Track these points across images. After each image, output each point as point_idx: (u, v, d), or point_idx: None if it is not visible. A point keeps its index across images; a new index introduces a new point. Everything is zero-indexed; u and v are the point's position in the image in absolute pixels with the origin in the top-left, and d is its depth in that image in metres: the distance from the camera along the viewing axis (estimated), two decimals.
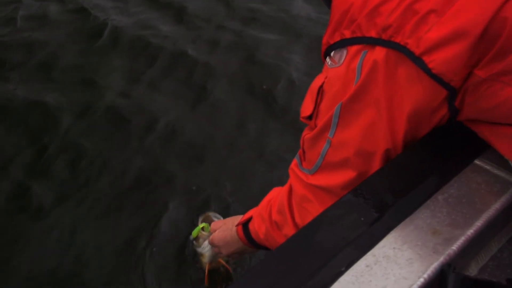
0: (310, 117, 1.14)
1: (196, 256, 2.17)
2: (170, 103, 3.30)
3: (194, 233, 2.06)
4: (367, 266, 0.75)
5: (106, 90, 3.37)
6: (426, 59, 0.91)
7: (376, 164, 1.04)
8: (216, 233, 1.85)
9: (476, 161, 0.98)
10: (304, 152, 1.21)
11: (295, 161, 1.28)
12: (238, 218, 1.70)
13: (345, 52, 1.04)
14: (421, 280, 0.72)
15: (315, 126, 1.13)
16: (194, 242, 2.09)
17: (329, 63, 1.10)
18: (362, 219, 0.86)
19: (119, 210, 2.59)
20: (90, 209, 2.59)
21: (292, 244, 0.84)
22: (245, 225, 1.62)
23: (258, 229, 1.50)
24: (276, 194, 1.43)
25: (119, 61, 3.69)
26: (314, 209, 1.16)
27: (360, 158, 1.06)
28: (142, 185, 2.72)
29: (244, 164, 2.86)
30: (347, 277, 0.73)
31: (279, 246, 0.83)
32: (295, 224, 1.29)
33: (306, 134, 1.18)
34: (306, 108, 1.16)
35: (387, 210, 0.88)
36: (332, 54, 1.09)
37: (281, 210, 1.34)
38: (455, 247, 0.78)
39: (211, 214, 2.12)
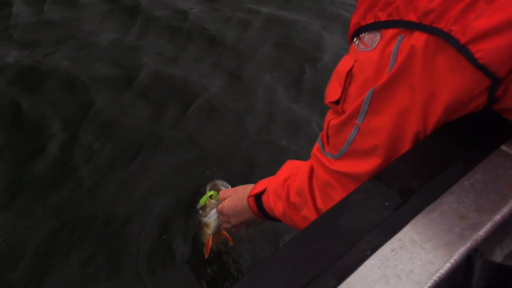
0: (337, 102, 1.09)
1: (199, 227, 2.07)
2: (203, 84, 3.34)
3: (202, 201, 1.96)
4: (392, 250, 0.73)
5: (139, 71, 3.40)
6: (472, 48, 0.86)
7: (404, 149, 1.00)
8: (226, 201, 1.79)
9: (503, 147, 0.95)
10: (328, 137, 1.16)
11: (317, 145, 1.24)
12: (249, 187, 1.67)
13: (378, 35, 0.99)
14: (448, 265, 0.70)
15: (342, 111, 1.08)
16: (200, 211, 1.99)
17: (359, 46, 1.04)
18: (387, 203, 0.84)
19: (148, 183, 2.63)
20: (119, 180, 2.64)
21: (316, 227, 0.83)
22: (257, 196, 1.58)
23: (274, 205, 1.46)
24: (294, 173, 1.39)
25: (151, 43, 3.71)
26: (338, 196, 1.13)
27: (389, 145, 1.02)
28: (177, 161, 2.76)
29: (274, 144, 2.89)
30: (372, 261, 0.72)
31: (303, 230, 0.82)
32: (316, 208, 1.27)
33: (332, 120, 1.13)
34: (333, 92, 1.11)
35: (412, 195, 0.85)
36: (362, 36, 1.03)
37: (300, 192, 1.31)
38: (482, 232, 0.76)
39: (219, 182, 2.01)
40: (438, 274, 0.69)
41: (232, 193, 1.79)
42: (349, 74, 1.05)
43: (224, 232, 2.04)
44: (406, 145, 1.00)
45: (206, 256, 2.05)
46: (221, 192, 1.90)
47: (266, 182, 1.57)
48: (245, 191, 1.69)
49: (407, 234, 0.76)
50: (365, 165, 1.06)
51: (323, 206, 1.23)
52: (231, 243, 2.13)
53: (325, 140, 1.19)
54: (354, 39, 1.08)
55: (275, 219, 1.56)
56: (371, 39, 1.01)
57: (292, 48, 3.71)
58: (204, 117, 3.08)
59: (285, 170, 1.49)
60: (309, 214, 1.30)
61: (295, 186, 1.35)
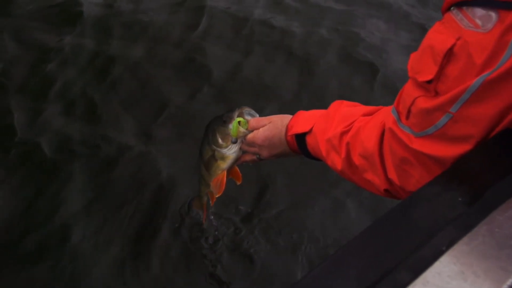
0: (430, 81, 0.95)
1: (210, 161, 1.71)
2: (280, 75, 3.42)
3: (234, 131, 1.60)
4: (468, 247, 0.69)
5: (214, 68, 3.46)
6: None
7: (493, 134, 0.91)
8: (261, 131, 1.56)
9: None
10: (409, 112, 1.03)
11: (392, 118, 1.10)
12: (286, 118, 1.52)
13: (494, 16, 0.84)
14: None
15: (435, 91, 0.96)
16: (220, 141, 1.64)
17: (463, 22, 0.89)
18: (460, 199, 0.80)
19: None
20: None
21: (390, 219, 0.79)
22: (300, 135, 1.44)
23: (327, 156, 1.33)
24: (353, 130, 1.24)
25: (221, 38, 3.76)
26: (417, 173, 1.04)
27: (485, 134, 0.91)
28: None
29: None
30: (448, 257, 0.68)
31: (378, 221, 0.78)
32: (387, 178, 1.15)
33: (419, 99, 0.99)
34: (426, 69, 0.96)
35: (486, 191, 0.80)
36: (466, 9, 0.89)
37: (367, 157, 1.19)
38: None
39: (246, 110, 1.63)
40: None
41: (267, 122, 1.56)
42: (449, 53, 0.91)
43: (237, 169, 1.74)
44: (497, 131, 0.91)
45: (218, 194, 1.72)
46: (253, 120, 1.61)
47: (311, 120, 1.41)
48: (283, 121, 1.51)
49: (483, 231, 0.72)
50: (453, 150, 0.96)
51: (397, 179, 1.11)
52: (239, 183, 1.79)
53: (401, 111, 1.06)
54: (453, 9, 0.92)
55: (318, 160, 1.44)
56: (483, 17, 0.86)
57: (364, 39, 3.80)
58: (287, 106, 3.13)
59: (337, 116, 1.33)
60: (377, 181, 1.19)
61: (359, 148, 1.21)
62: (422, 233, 0.72)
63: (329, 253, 2.37)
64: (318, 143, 1.36)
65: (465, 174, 0.88)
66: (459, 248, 0.69)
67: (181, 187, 2.63)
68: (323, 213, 2.56)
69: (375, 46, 3.75)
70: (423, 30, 3.81)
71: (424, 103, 0.98)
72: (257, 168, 2.68)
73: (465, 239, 0.71)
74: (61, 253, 2.34)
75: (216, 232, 2.42)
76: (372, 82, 3.42)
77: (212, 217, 2.38)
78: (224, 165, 1.66)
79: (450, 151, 0.96)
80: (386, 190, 1.19)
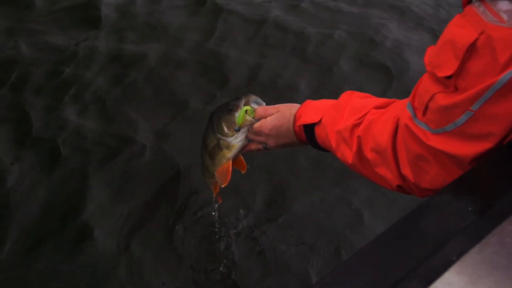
0: (450, 77, 0.91)
1: (215, 151, 1.64)
2: (295, 79, 3.44)
3: (240, 119, 1.54)
4: (479, 257, 0.69)
5: (229, 71, 3.49)
6: None
7: None
8: (269, 120, 1.51)
9: None
10: (426, 108, 0.99)
11: (408, 113, 1.06)
12: (294, 107, 1.48)
13: None
14: None
15: (454, 86, 0.92)
16: (225, 129, 1.58)
17: (486, 15, 0.85)
18: (470, 208, 0.80)
19: None
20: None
21: (400, 227, 0.79)
22: (308, 126, 1.40)
23: (336, 148, 1.30)
24: (365, 123, 1.20)
25: (236, 42, 3.79)
26: (433, 170, 1.01)
27: (506, 131, 0.88)
28: None
29: None
30: (458, 267, 0.68)
31: (388, 229, 0.78)
32: (400, 174, 1.12)
33: (438, 96, 0.95)
34: (445, 64, 0.92)
35: (498, 200, 0.80)
36: (489, 2, 0.85)
37: (379, 151, 1.15)
38: None
39: (252, 98, 1.57)
40: None
41: (275, 111, 1.51)
42: (471, 48, 0.87)
43: (241, 158, 1.68)
44: None
45: (224, 184, 1.66)
46: (260, 109, 1.55)
47: (320, 111, 1.37)
48: (291, 110, 1.47)
49: (494, 241, 0.72)
50: (473, 148, 0.92)
51: (412, 176, 1.08)
52: (243, 172, 1.72)
53: (418, 106, 1.02)
54: (474, 1, 0.88)
55: (326, 151, 1.41)
56: (508, 12, 0.82)
57: (382, 43, 3.82)
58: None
59: (348, 107, 1.29)
60: (389, 176, 1.15)
61: (370, 143, 1.18)
62: (432, 242, 0.72)
63: (342, 258, 2.37)
64: (328, 134, 1.33)
65: (476, 183, 0.88)
66: (469, 258, 0.69)
67: (195, 187, 2.65)
68: (335, 218, 2.56)
69: (389, 50, 3.75)
70: (435, 35, 3.80)
71: (443, 99, 0.95)
72: (270, 172, 2.69)
73: (475, 249, 0.71)
74: (76, 253, 2.37)
75: (229, 235, 2.43)
76: (387, 85, 3.42)
77: (217, 217, 2.39)
78: (230, 154, 1.62)
79: (469, 149, 0.93)
80: (398, 186, 1.16)
